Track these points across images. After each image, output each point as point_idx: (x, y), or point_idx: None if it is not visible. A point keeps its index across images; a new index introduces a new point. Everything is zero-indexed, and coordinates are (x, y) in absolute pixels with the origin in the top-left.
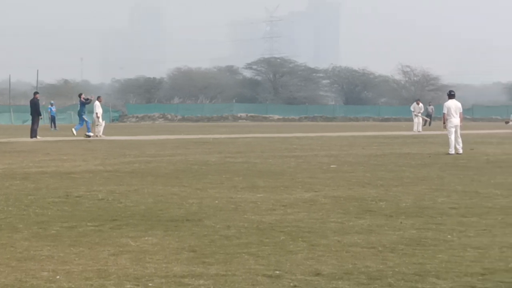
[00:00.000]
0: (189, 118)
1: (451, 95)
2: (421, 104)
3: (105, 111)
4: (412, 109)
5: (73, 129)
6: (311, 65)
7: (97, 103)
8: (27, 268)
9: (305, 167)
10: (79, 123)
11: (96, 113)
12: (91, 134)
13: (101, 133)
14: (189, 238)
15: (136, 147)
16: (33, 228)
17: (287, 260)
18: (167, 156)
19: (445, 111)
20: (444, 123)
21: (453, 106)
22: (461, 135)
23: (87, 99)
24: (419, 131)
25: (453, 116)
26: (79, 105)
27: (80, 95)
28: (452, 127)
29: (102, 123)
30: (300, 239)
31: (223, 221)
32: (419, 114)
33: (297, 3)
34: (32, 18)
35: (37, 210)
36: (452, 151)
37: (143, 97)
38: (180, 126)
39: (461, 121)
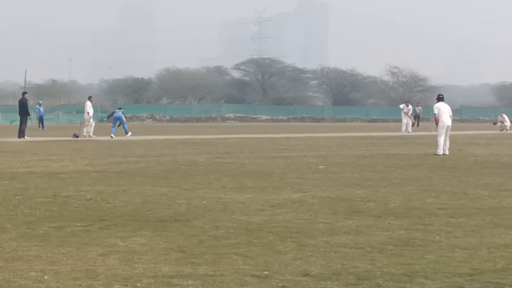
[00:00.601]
0: (177, 119)
1: (439, 98)
2: (410, 106)
3: (93, 111)
4: (401, 107)
5: (127, 135)
6: (300, 65)
7: (88, 103)
8: (15, 268)
9: (294, 167)
10: (125, 127)
11: (88, 113)
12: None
13: (91, 133)
14: (178, 238)
15: (125, 147)
16: (21, 228)
17: (276, 260)
18: (155, 156)
19: (436, 111)
20: (436, 124)
21: (443, 107)
22: (450, 136)
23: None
24: (408, 132)
25: (444, 117)
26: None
27: (120, 108)
28: (443, 127)
29: (92, 123)
30: (288, 239)
31: (212, 222)
32: (408, 114)
33: (285, 4)
34: (20, 17)
35: (25, 210)
36: (440, 152)
37: (132, 98)
38: (168, 127)
39: (451, 122)
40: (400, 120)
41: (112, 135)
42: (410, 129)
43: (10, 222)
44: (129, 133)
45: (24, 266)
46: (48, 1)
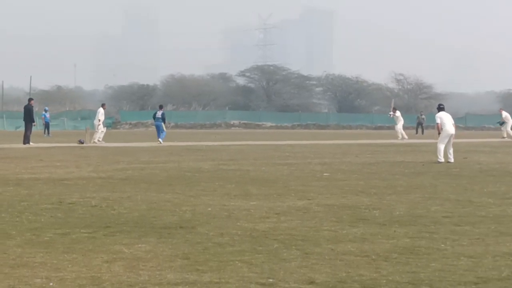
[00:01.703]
0: (182, 125)
1: (440, 108)
2: (398, 112)
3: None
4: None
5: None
6: (304, 72)
7: (101, 110)
8: (20, 275)
9: (298, 175)
10: (162, 133)
11: (99, 120)
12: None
13: (98, 139)
14: (183, 245)
15: (130, 154)
16: (26, 235)
17: (281, 268)
18: (160, 163)
19: (438, 121)
20: (439, 133)
21: (445, 116)
22: (454, 144)
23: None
24: (403, 138)
25: (447, 125)
26: (163, 119)
27: (161, 106)
28: (446, 136)
29: (104, 129)
30: (293, 247)
31: (217, 229)
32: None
33: (290, 11)
34: (25, 23)
35: (30, 217)
36: (441, 159)
37: (137, 104)
38: (173, 133)
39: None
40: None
41: (160, 140)
42: (405, 135)
43: (15, 229)
44: (161, 141)
45: (29, 272)
46: (52, 7)
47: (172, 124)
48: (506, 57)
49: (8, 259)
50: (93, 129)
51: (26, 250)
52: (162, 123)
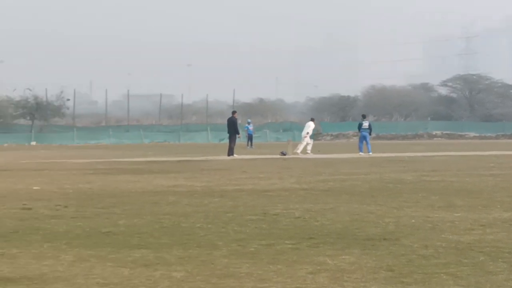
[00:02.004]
0: (383, 136)
1: None
2: None
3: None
4: None
5: (369, 153)
6: (509, 81)
7: (311, 124)
8: (227, 285)
9: (504, 185)
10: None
11: (307, 133)
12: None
13: (307, 151)
14: (387, 257)
15: (331, 165)
16: (232, 246)
17: (487, 281)
18: (361, 174)
19: None
20: None
21: None
22: None
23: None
24: None
25: None
26: (370, 130)
27: (364, 116)
28: None
29: (310, 141)
30: (500, 259)
31: (421, 241)
32: None
33: (493, 20)
34: (227, 38)
35: (235, 228)
36: None
37: (337, 115)
38: (374, 144)
39: None
40: None
41: (361, 153)
42: None
43: (221, 239)
44: (370, 154)
45: (235, 283)
46: (252, 22)
47: (373, 135)
48: None
49: (215, 270)
50: (295, 141)
51: (232, 261)
52: (368, 134)
